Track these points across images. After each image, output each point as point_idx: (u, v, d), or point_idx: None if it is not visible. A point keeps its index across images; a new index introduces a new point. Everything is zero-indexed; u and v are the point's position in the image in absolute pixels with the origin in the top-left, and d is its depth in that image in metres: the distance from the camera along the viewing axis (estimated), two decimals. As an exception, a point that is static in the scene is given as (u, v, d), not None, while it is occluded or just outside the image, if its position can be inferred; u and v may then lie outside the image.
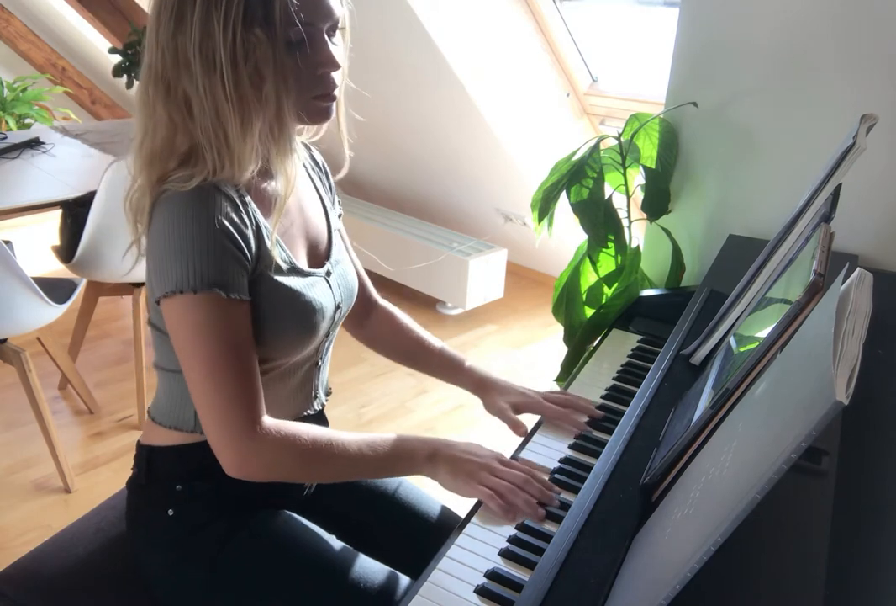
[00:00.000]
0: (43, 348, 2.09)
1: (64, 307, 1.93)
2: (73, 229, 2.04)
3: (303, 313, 0.90)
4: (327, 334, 0.99)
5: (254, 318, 0.86)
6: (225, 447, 0.82)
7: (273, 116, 0.82)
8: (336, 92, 0.87)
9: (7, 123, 3.97)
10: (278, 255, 0.88)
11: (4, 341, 1.89)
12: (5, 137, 2.56)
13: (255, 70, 0.79)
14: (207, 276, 0.80)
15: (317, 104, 0.86)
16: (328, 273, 0.97)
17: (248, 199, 0.87)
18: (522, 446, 1.00)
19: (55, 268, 2.81)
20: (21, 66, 4.43)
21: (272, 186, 0.92)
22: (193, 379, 0.82)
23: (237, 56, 0.78)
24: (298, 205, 0.97)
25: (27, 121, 4.10)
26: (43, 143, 2.54)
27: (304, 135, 1.00)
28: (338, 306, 0.98)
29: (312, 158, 1.07)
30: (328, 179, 1.09)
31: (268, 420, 0.84)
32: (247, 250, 0.84)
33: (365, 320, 1.18)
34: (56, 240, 2.18)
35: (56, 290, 1.97)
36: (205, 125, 0.81)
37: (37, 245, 3.19)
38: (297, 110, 0.84)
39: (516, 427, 1.02)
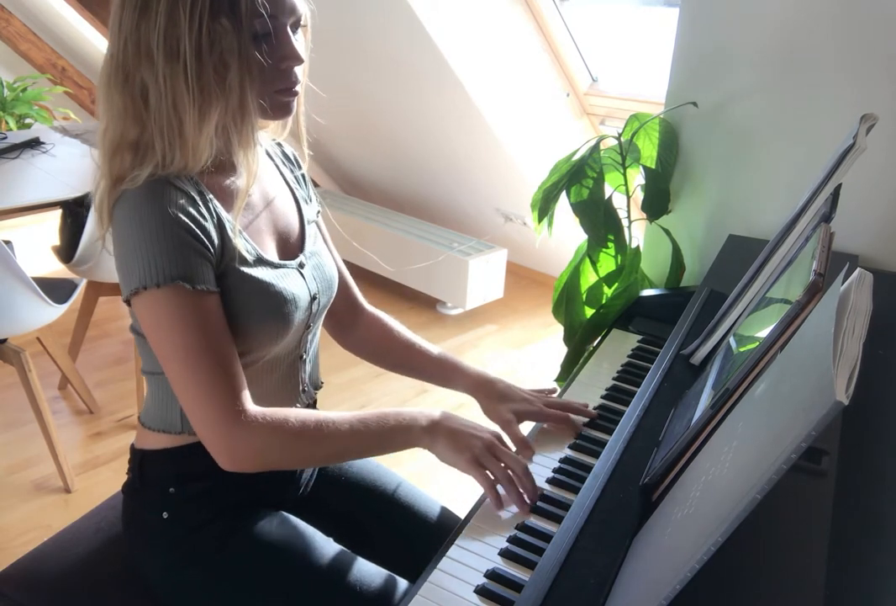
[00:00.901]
0: (43, 348, 2.09)
1: (64, 307, 1.93)
2: (73, 229, 2.04)
3: (274, 304, 0.90)
4: (308, 327, 0.99)
5: (225, 311, 0.86)
6: (213, 439, 0.82)
7: (236, 105, 0.82)
8: (297, 88, 0.88)
9: (7, 123, 3.96)
10: (243, 247, 0.88)
11: (4, 341, 1.89)
12: (5, 137, 2.55)
13: (219, 59, 0.79)
14: (169, 269, 0.80)
15: (279, 98, 0.86)
16: (301, 265, 0.96)
17: (207, 193, 0.86)
18: None
19: (55, 268, 2.81)
20: (21, 66, 4.43)
21: (234, 180, 0.92)
22: (172, 375, 0.82)
23: (202, 45, 0.78)
24: (265, 198, 0.97)
25: (27, 121, 4.10)
26: (43, 143, 2.54)
27: (269, 133, 1.00)
28: (314, 297, 0.97)
29: (283, 152, 1.06)
30: (302, 173, 1.08)
31: (253, 408, 0.84)
32: (208, 243, 0.83)
33: (352, 327, 1.15)
34: (56, 240, 2.18)
35: (56, 290, 1.97)
36: (160, 115, 0.81)
37: (37, 245, 3.19)
38: (259, 102, 0.84)
39: (525, 449, 0.96)
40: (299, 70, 0.87)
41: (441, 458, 0.89)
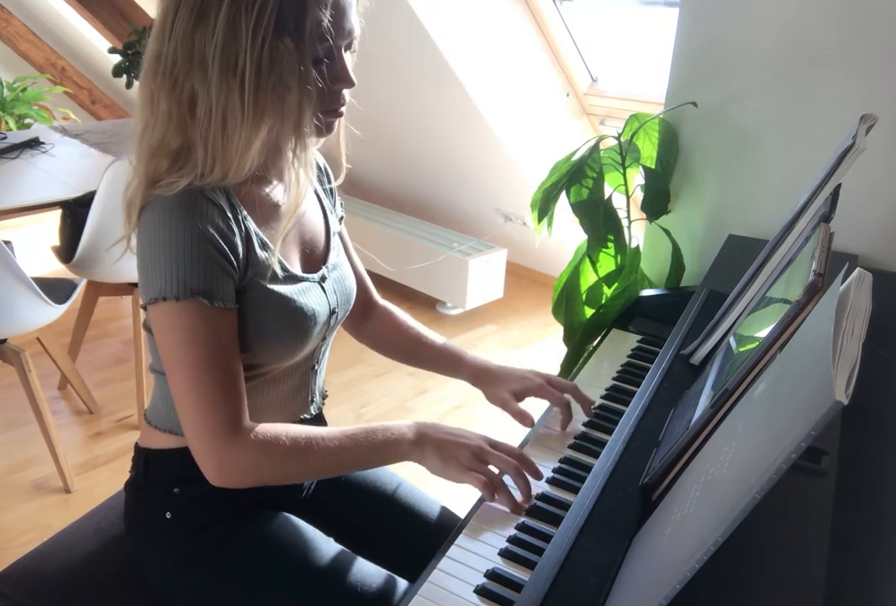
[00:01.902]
0: (43, 349, 2.09)
1: (64, 307, 1.93)
2: (73, 229, 2.04)
3: (294, 319, 0.90)
4: (323, 339, 0.99)
5: (243, 324, 0.86)
6: (204, 454, 0.82)
7: (291, 126, 0.82)
8: (343, 109, 0.88)
9: (7, 123, 3.97)
10: (269, 259, 0.88)
11: (4, 341, 1.89)
12: (5, 137, 2.55)
13: (279, 79, 0.78)
14: (190, 284, 0.79)
15: (324, 119, 0.86)
16: (323, 278, 0.96)
17: (238, 206, 0.86)
18: (522, 446, 1.00)
19: (55, 268, 2.81)
20: (21, 66, 4.43)
21: (268, 192, 0.92)
22: (175, 385, 0.82)
23: (262, 64, 0.77)
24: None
25: (27, 121, 4.10)
26: (43, 143, 2.54)
27: None
28: (333, 312, 0.97)
29: (315, 162, 1.06)
30: (329, 182, 1.08)
31: (248, 426, 0.84)
32: (233, 259, 0.83)
33: (365, 321, 1.17)
34: (56, 240, 2.18)
35: (56, 290, 1.97)
36: (205, 127, 0.80)
37: (37, 245, 3.18)
38: (315, 124, 0.84)
39: (522, 418, 0.99)
40: (347, 91, 0.87)
41: (431, 470, 0.89)
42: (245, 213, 0.87)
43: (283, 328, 0.89)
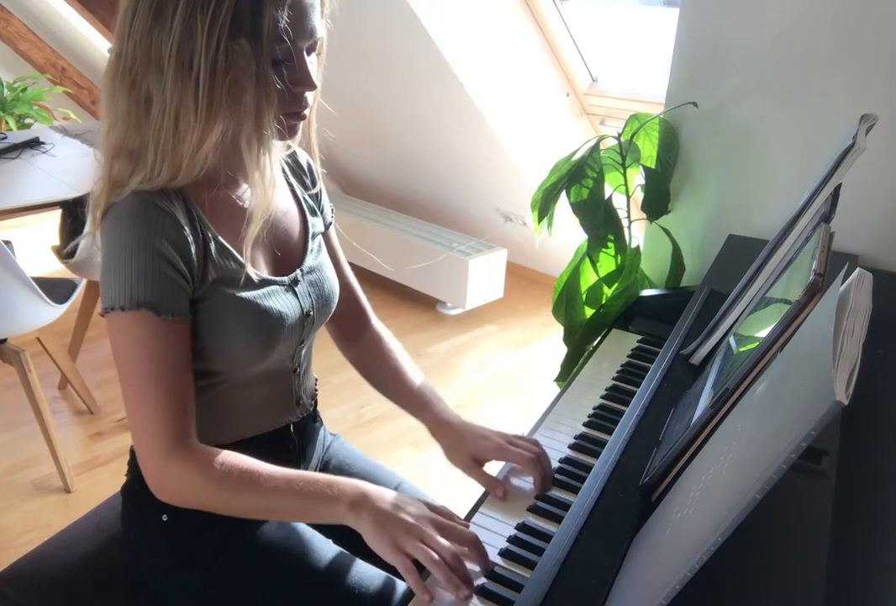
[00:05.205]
0: (43, 349, 2.09)
1: (64, 307, 1.93)
2: (73, 229, 2.05)
3: (258, 323, 0.88)
4: (301, 342, 0.98)
5: (206, 328, 0.85)
6: (144, 466, 0.82)
7: (252, 127, 0.81)
8: (307, 112, 0.86)
9: (7, 123, 3.97)
10: (228, 265, 0.86)
11: (4, 341, 1.90)
12: (5, 137, 2.55)
13: (234, 81, 0.77)
14: (137, 296, 0.79)
15: (286, 121, 0.84)
16: (295, 281, 0.94)
17: (196, 211, 0.85)
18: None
19: (55, 268, 2.81)
20: (21, 66, 4.43)
21: (237, 195, 0.91)
22: (124, 394, 0.82)
23: (217, 64, 0.76)
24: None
25: (27, 121, 4.10)
26: (43, 143, 2.54)
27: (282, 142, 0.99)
28: (307, 315, 0.95)
29: (296, 161, 1.04)
30: (312, 183, 1.05)
31: (190, 444, 0.82)
32: (186, 270, 0.82)
33: (356, 342, 1.14)
34: (56, 240, 2.18)
35: (56, 290, 1.97)
36: (159, 127, 0.79)
37: (37, 245, 3.18)
38: (275, 126, 0.82)
39: (495, 488, 0.91)
40: (310, 94, 0.85)
41: (366, 540, 0.79)
42: (205, 219, 0.86)
43: (248, 332, 0.87)
